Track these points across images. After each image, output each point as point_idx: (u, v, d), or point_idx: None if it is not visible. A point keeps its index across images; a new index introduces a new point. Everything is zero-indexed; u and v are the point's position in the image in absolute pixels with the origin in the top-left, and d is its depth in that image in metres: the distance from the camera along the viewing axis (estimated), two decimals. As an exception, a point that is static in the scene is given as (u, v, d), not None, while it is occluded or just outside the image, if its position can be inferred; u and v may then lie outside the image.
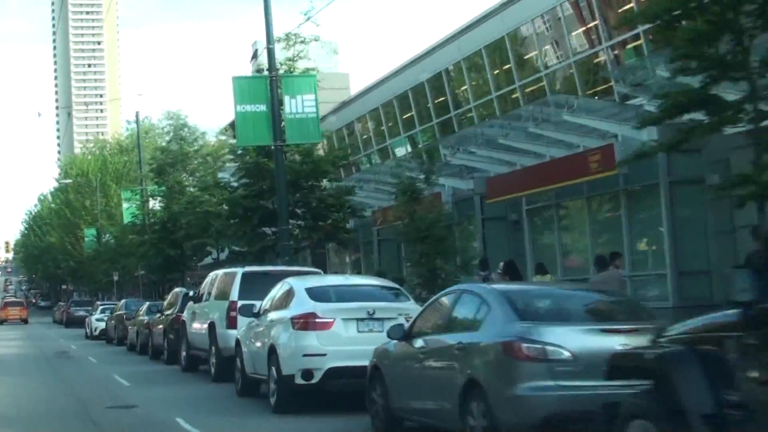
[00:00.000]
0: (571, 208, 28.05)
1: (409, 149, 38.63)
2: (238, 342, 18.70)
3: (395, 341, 12.66)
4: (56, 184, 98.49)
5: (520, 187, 27.57)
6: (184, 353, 24.85)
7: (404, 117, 39.13)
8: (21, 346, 41.75)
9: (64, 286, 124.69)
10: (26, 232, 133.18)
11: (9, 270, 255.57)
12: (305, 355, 15.19)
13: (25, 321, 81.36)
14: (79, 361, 30.64)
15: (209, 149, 48.26)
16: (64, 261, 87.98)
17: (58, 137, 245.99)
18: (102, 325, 45.07)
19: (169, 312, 28.52)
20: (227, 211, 30.84)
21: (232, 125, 63.21)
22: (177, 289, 29.99)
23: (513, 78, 31.93)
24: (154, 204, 47.85)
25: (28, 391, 20.83)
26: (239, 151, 30.22)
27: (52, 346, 40.77)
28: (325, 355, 15.11)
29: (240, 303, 20.65)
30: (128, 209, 52.74)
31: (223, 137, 47.95)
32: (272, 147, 28.82)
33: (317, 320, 15.30)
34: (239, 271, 21.65)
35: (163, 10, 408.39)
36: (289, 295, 16.60)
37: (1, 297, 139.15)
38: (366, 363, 14.11)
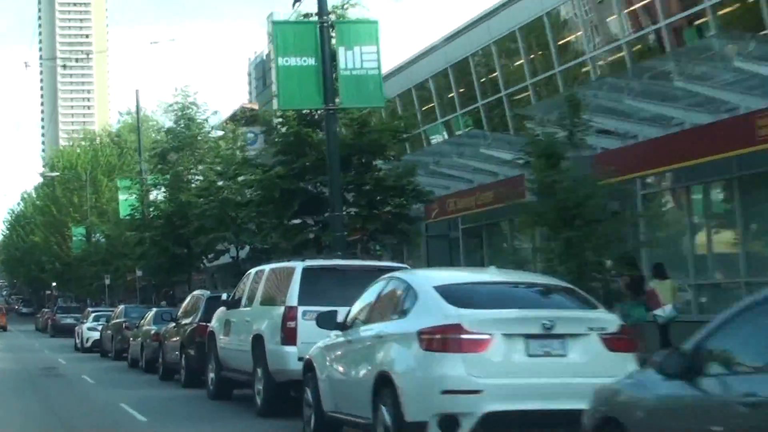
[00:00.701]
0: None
1: (465, 128, 33.48)
2: (308, 366, 13.42)
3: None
4: (41, 180, 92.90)
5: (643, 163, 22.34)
6: (212, 375, 19.58)
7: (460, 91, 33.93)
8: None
9: (48, 291, 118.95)
10: (8, 232, 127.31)
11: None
12: (446, 392, 10.02)
13: (3, 328, 79.63)
14: (71, 382, 25.31)
15: (221, 134, 42.90)
16: (49, 263, 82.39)
17: (43, 134, 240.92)
18: (95, 335, 39.77)
19: (187, 321, 23.25)
20: (259, 195, 25.34)
21: (233, 118, 58.07)
22: (198, 292, 24.71)
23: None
24: (157, 195, 42.39)
25: (5, 427, 15.58)
26: (278, 117, 24.87)
27: (36, 360, 35.44)
28: (479, 392, 9.94)
29: (302, 309, 15.62)
30: (126, 201, 47.37)
31: (221, 132, 42.60)
32: (321, 112, 23.72)
33: (465, 336, 10.11)
34: (298, 265, 16.37)
35: (156, 8, 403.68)
36: (405, 296, 11.37)
37: None
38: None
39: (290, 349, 15.67)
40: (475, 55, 32.81)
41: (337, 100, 22.29)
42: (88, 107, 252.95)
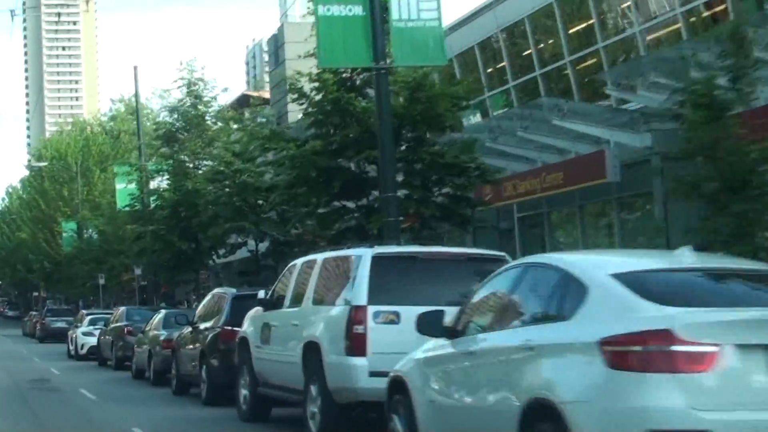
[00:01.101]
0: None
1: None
2: (397, 385, 10.28)
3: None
4: (27, 173, 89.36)
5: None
6: (244, 392, 16.41)
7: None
8: (-17, 369, 33.24)
9: (35, 293, 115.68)
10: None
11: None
12: (655, 432, 6.85)
13: None
14: (68, 398, 22.13)
15: (230, 114, 39.63)
16: (37, 262, 79.02)
17: (28, 126, 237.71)
18: (91, 340, 36.54)
19: (207, 325, 20.08)
20: (290, 176, 21.98)
21: (240, 101, 54.63)
22: (220, 290, 21.53)
23: None
24: (159, 183, 39.06)
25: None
26: (314, 81, 21.57)
27: (25, 369, 32.25)
28: (708, 432, 6.78)
29: (373, 309, 12.54)
30: (124, 190, 44.10)
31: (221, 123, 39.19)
32: (363, 76, 20.71)
33: (680, 348, 6.92)
34: (365, 253, 13.20)
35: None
36: (562, 290, 8.16)
37: None
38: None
39: (358, 361, 12.54)
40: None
41: (388, 60, 19.16)
42: (77, 98, 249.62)
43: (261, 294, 16.13)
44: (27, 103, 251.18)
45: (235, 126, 37.27)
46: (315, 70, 21.49)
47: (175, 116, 37.92)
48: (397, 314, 12.54)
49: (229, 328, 18.81)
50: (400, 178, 21.52)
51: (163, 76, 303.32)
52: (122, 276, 59.88)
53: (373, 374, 12.29)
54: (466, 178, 21.20)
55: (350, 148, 21.06)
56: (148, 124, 56.06)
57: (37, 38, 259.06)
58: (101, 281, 56.48)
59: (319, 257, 14.72)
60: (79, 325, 39.72)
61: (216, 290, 21.94)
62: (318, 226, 22.79)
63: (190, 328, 21.21)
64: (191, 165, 37.52)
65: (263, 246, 31.47)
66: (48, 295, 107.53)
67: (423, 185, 20.98)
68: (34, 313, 73.11)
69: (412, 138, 21.18)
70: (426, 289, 12.69)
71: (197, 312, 21.81)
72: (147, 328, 26.55)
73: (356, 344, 12.55)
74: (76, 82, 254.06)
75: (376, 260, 12.97)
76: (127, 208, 42.39)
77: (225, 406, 17.78)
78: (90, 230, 63.75)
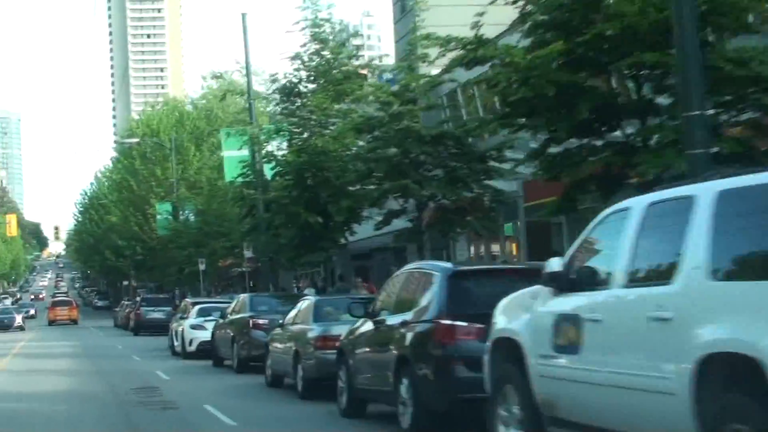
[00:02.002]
0: None
1: None
2: None
3: None
4: (116, 155, 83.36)
5: None
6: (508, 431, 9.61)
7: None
8: (71, 372, 27.09)
9: (126, 282, 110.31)
10: (80, 218, 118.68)
11: (61, 265, 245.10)
12: None
13: (74, 321, 77.36)
14: (193, 421, 15.61)
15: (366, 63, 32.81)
16: (128, 248, 73.10)
17: (114, 116, 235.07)
18: (202, 335, 30.07)
19: (404, 318, 13.31)
20: (519, 95, 14.81)
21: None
22: (416, 265, 14.70)
23: None
24: (278, 145, 32.35)
25: None
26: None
27: (124, 372, 26.02)
28: None
29: None
30: (233, 159, 37.66)
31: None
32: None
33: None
34: None
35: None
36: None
37: (51, 295, 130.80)
38: None
39: None
40: None
41: None
42: (161, 77, 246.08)
43: (554, 264, 9.22)
44: (113, 83, 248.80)
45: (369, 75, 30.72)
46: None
47: (299, 64, 31.19)
48: None
49: (448, 322, 12.14)
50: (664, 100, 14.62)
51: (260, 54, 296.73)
52: (224, 261, 53.69)
53: None
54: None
55: (609, 52, 14.04)
56: (239, 100, 49.68)
57: (122, 16, 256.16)
58: (201, 266, 50.15)
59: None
60: (185, 316, 33.31)
61: (411, 266, 15.13)
62: (545, 172, 15.83)
63: (370, 323, 14.49)
64: (316, 122, 30.78)
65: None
66: (139, 284, 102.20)
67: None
68: (126, 302, 67.39)
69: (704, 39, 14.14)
70: None
71: (380, 298, 15.09)
72: (288, 321, 19.93)
73: None
74: (162, 69, 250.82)
75: None
76: (239, 179, 35.84)
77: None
78: (187, 211, 57.77)
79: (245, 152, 35.67)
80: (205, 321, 30.56)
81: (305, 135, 30.30)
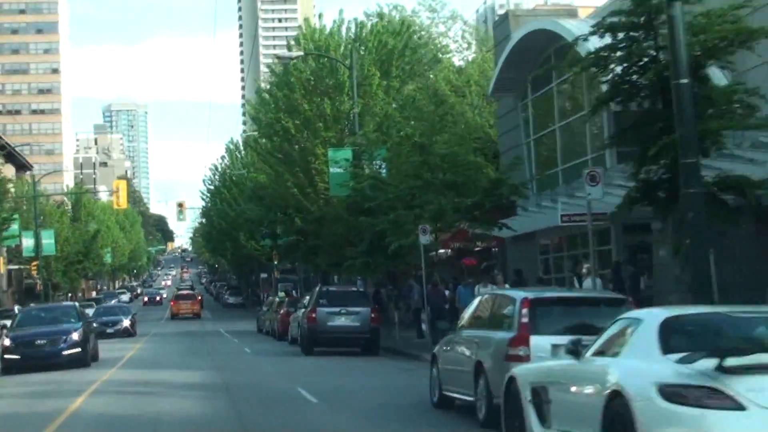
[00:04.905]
0: None
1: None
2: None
3: None
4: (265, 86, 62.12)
5: None
6: None
7: None
8: None
9: (263, 274, 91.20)
10: (208, 199, 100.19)
11: (189, 259, 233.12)
12: None
13: (197, 315, 77.98)
14: None
15: None
16: (282, 223, 53.14)
17: (243, 87, 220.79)
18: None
19: None
20: None
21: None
22: None
23: None
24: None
25: None
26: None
27: None
28: None
29: None
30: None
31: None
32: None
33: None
34: None
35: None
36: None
37: (176, 287, 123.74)
38: None
39: None
40: None
41: None
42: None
43: None
44: (241, 61, 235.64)
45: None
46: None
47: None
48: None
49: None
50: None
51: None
52: (448, 234, 33.94)
53: None
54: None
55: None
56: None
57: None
58: (425, 238, 29.67)
59: None
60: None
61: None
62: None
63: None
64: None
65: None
66: (281, 276, 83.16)
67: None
68: (282, 297, 48.27)
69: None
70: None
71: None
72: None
73: None
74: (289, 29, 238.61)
75: None
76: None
77: None
78: (376, 161, 38.01)
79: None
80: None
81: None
